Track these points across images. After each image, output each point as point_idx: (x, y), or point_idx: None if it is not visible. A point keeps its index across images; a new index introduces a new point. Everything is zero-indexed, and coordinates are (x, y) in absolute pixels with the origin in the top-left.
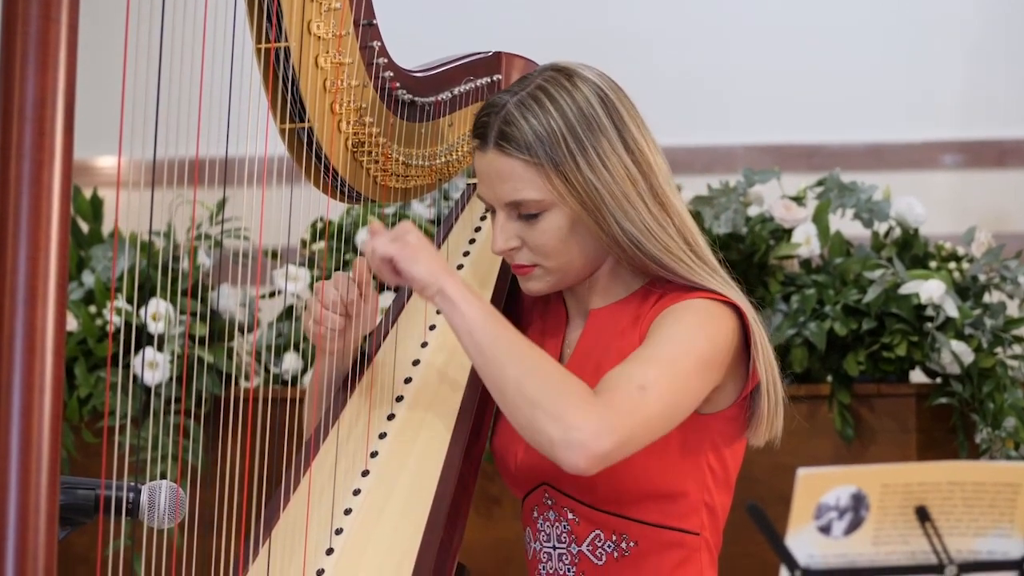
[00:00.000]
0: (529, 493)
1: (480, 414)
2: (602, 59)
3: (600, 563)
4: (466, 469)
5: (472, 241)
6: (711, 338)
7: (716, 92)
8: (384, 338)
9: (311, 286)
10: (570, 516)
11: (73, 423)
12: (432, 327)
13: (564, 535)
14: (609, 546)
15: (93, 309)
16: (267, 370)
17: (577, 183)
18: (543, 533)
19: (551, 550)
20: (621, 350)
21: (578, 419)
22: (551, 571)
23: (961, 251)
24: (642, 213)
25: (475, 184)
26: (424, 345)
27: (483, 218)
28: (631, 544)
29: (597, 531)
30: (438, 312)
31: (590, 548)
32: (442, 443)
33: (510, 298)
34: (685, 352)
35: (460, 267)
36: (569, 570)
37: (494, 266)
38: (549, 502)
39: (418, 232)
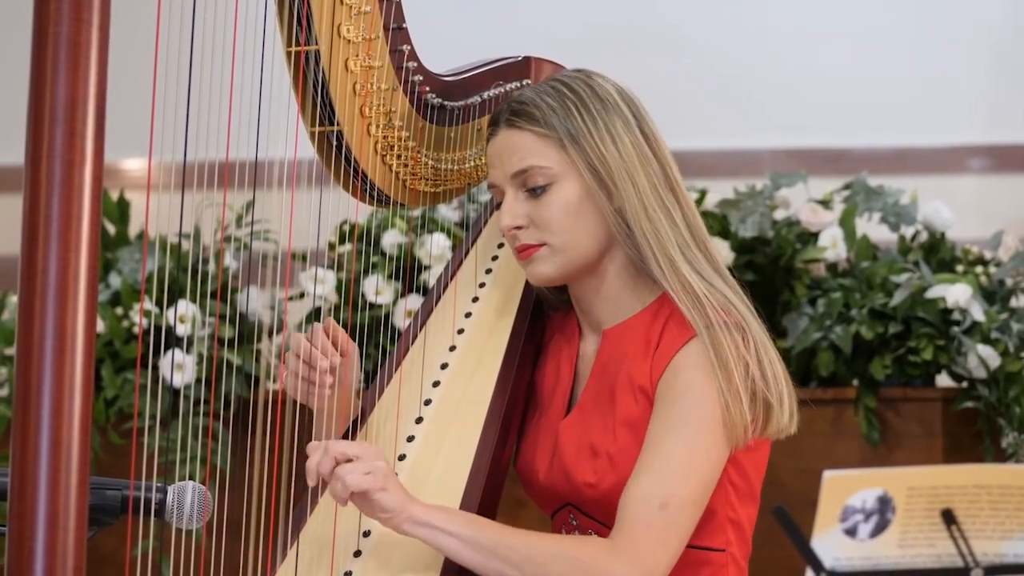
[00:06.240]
0: (556, 512)
1: (508, 419)
2: (622, 64)
3: None
4: (493, 473)
5: (501, 246)
6: (717, 390)
7: (741, 96)
8: (413, 342)
9: (338, 288)
10: (596, 536)
11: (99, 424)
12: (460, 331)
13: None
14: None
15: (120, 311)
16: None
17: (590, 151)
18: None
19: None
20: (631, 377)
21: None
22: None
23: (988, 255)
24: (649, 194)
25: None
26: (452, 349)
27: None
28: None
29: None
30: (467, 315)
31: None
32: (470, 447)
33: (536, 310)
34: (697, 433)
35: (489, 271)
36: None
37: (520, 275)
38: (575, 522)
39: (378, 453)
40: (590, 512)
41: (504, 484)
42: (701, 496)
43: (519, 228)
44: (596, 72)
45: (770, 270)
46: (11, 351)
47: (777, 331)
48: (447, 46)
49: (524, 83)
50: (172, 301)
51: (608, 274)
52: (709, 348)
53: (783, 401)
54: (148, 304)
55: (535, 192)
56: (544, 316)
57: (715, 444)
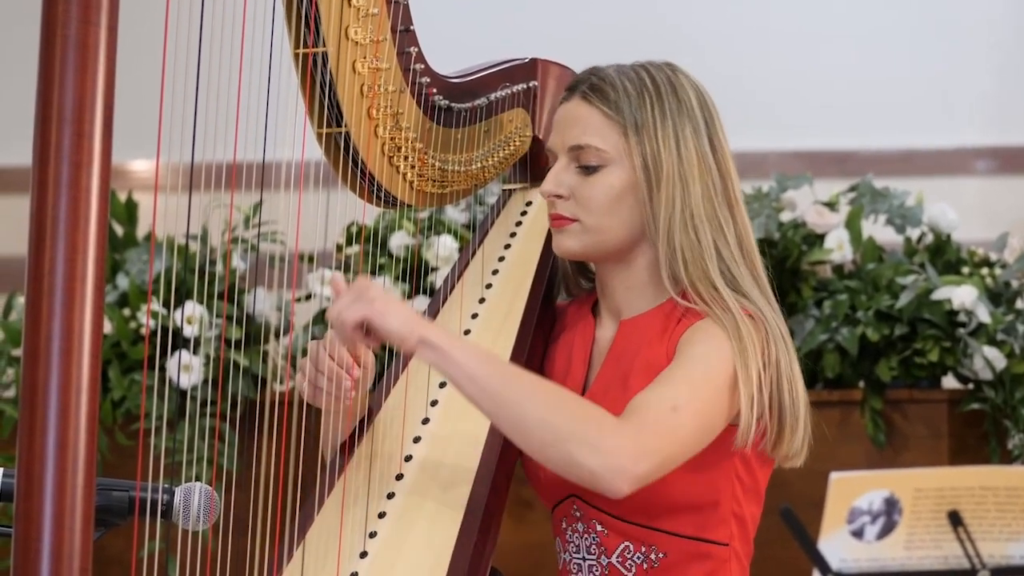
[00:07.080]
0: (558, 504)
1: None
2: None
3: (630, 574)
4: (500, 473)
5: (508, 247)
6: (733, 357)
7: (745, 98)
8: None
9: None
10: (599, 528)
11: (107, 425)
12: (467, 332)
13: (593, 547)
14: (638, 558)
15: (127, 312)
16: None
17: (648, 147)
18: (572, 544)
19: (581, 561)
20: (648, 362)
21: (615, 444)
22: None
23: (993, 257)
24: (701, 202)
25: (511, 190)
26: None
27: (519, 223)
28: (660, 555)
29: (626, 543)
30: (473, 316)
31: (619, 560)
32: (476, 447)
33: (544, 307)
34: (713, 371)
35: (495, 272)
36: None
37: (529, 271)
38: (578, 513)
39: (379, 286)
40: (595, 502)
41: (511, 483)
42: (705, 426)
43: (559, 197)
44: (683, 70)
45: (776, 272)
46: (18, 352)
47: None
48: (449, 47)
49: (531, 84)
50: (179, 302)
51: (637, 265)
52: (729, 330)
53: (796, 427)
54: (155, 305)
55: (586, 169)
56: (552, 312)
57: (725, 391)
